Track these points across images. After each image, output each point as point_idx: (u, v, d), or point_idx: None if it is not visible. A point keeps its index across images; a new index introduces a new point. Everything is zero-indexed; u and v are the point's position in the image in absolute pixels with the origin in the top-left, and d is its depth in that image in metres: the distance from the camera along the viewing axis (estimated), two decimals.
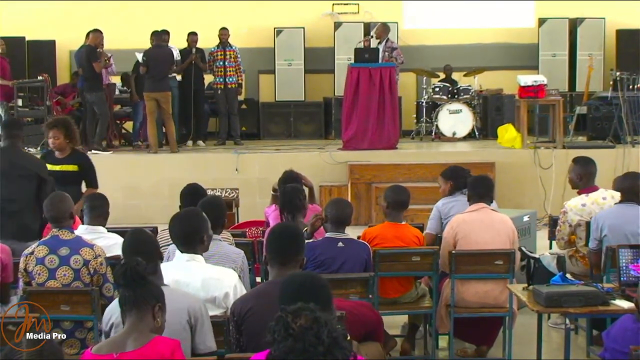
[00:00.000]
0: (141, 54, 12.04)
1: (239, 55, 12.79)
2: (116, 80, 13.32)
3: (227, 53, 12.69)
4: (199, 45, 12.85)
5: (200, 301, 4.00)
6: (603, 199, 6.28)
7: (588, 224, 6.23)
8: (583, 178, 6.40)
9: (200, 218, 4.50)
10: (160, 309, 3.48)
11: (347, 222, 5.53)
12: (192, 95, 12.70)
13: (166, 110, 11.80)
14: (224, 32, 12.71)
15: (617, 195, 6.15)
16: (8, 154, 6.44)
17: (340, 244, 5.41)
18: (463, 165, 7.14)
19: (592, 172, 6.43)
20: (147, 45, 12.37)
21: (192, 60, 12.65)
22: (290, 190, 5.79)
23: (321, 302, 3.11)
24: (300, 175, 6.84)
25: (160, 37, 11.99)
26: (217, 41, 12.77)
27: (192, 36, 12.78)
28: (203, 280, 4.28)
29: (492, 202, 6.11)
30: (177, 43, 12.67)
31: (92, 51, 11.58)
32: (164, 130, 12.26)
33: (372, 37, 12.68)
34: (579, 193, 6.43)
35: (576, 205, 6.35)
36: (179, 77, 12.86)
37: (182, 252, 4.39)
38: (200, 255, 4.43)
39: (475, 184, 6.08)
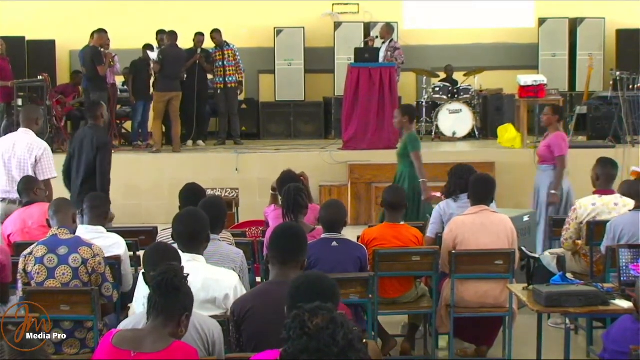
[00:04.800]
0: (154, 53, 12.05)
1: (237, 54, 12.79)
2: (119, 79, 13.31)
3: (226, 52, 12.70)
4: None
5: (219, 328, 3.91)
6: (615, 205, 6.27)
7: (589, 224, 6.24)
8: (600, 179, 6.46)
9: (204, 217, 4.54)
10: (187, 317, 3.47)
11: (341, 225, 5.50)
12: (196, 95, 12.71)
13: (177, 109, 11.83)
14: (215, 35, 12.70)
15: (630, 204, 6.14)
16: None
17: (334, 243, 5.40)
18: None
19: (609, 175, 6.47)
20: (153, 45, 12.41)
21: (197, 61, 12.65)
22: (293, 190, 5.78)
23: (330, 302, 3.12)
24: (297, 176, 6.82)
25: (175, 37, 12.01)
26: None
27: (199, 37, 12.76)
28: (204, 281, 4.28)
29: (492, 202, 6.10)
30: (177, 43, 12.67)
31: (96, 53, 11.54)
32: (163, 129, 12.28)
33: (376, 37, 12.73)
34: (594, 193, 6.46)
35: (587, 203, 6.37)
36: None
37: (183, 251, 4.39)
38: (202, 255, 4.45)
39: (477, 185, 6.03)
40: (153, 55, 12.06)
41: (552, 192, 7.82)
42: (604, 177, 6.46)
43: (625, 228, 5.79)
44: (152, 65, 12.08)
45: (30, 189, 6.31)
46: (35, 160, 6.89)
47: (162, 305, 3.40)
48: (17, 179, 6.69)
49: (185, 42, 12.82)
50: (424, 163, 11.04)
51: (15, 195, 6.71)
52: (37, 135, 7.24)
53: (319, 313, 2.79)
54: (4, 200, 6.94)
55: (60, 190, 7.38)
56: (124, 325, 3.87)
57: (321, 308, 2.82)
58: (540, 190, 8.06)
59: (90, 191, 7.00)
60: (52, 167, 7.00)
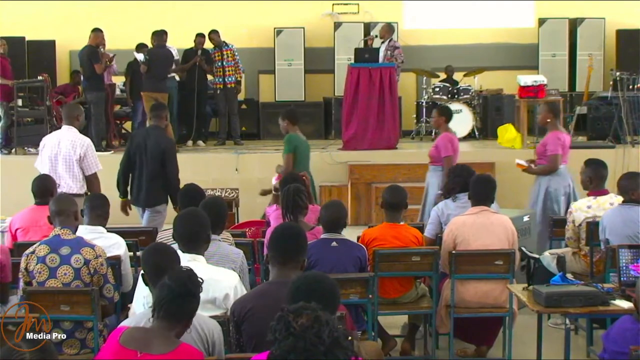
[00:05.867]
0: (140, 54, 12.05)
1: (236, 54, 12.79)
2: (119, 79, 13.31)
3: (224, 53, 12.71)
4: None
5: (219, 328, 3.92)
6: (610, 204, 6.28)
7: (589, 224, 6.24)
8: (593, 181, 6.46)
9: (205, 217, 4.55)
10: (191, 318, 3.49)
11: (341, 225, 5.51)
12: (196, 96, 12.70)
13: None
14: (213, 36, 12.70)
15: None
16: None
17: (334, 243, 5.41)
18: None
19: (601, 176, 6.47)
20: (148, 45, 12.39)
21: (196, 62, 12.64)
22: (293, 190, 5.79)
23: (330, 303, 3.13)
24: (299, 176, 6.83)
25: (162, 37, 12.00)
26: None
27: (200, 38, 12.75)
28: (203, 281, 4.27)
29: (493, 202, 6.10)
30: (177, 43, 12.66)
31: (92, 52, 11.57)
32: None
33: (376, 36, 12.74)
34: (588, 195, 6.46)
35: (582, 206, 6.38)
36: (177, 77, 12.86)
37: (183, 252, 4.39)
38: (202, 255, 4.44)
39: (477, 185, 6.03)
40: (139, 56, 12.04)
41: (439, 192, 7.72)
42: (597, 179, 6.46)
43: (608, 223, 5.87)
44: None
45: (47, 190, 6.29)
46: (80, 157, 7.20)
47: (175, 309, 3.40)
48: (64, 175, 7.15)
49: (185, 42, 12.83)
50: (422, 163, 11.08)
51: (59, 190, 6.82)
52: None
53: (302, 313, 2.80)
54: None
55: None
56: (131, 322, 3.87)
57: (305, 308, 2.83)
58: (429, 190, 8.24)
59: (158, 191, 7.52)
60: (96, 160, 7.34)
